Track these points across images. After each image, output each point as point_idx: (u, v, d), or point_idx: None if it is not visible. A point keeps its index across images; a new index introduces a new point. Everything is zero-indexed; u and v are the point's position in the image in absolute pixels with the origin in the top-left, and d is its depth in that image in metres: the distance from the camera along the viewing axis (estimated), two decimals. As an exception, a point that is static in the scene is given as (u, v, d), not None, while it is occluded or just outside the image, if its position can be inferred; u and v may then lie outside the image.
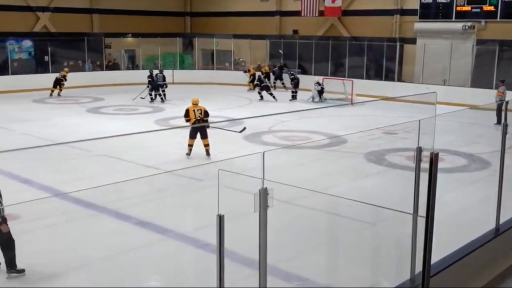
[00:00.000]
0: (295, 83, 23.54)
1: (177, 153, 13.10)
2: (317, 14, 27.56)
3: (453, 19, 23.39)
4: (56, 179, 10.58)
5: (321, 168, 11.90)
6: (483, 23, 23.07)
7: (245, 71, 27.62)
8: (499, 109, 16.56)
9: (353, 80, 22.89)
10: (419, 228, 4.60)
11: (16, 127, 16.40)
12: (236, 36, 30.15)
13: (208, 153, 12.84)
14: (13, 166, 10.82)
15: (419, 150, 4.59)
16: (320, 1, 27.36)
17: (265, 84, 23.37)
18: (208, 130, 12.88)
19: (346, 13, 27.45)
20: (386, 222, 7.65)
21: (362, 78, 25.00)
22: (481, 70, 22.57)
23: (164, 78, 22.78)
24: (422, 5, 24.15)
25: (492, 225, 6.26)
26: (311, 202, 8.83)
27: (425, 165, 4.43)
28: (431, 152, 4.30)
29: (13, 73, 25.87)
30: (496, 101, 17.20)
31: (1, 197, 6.30)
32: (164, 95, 22.47)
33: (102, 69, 28.92)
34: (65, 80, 23.71)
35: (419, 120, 4.75)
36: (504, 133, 6.05)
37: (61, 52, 28.51)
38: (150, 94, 22.07)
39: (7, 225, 6.24)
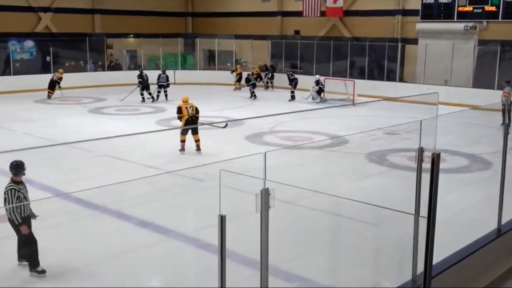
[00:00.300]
0: (295, 84, 23.51)
1: (179, 153, 13.10)
2: (318, 15, 27.56)
3: (455, 20, 23.38)
4: (58, 179, 10.58)
5: (322, 168, 11.89)
6: (484, 24, 23.05)
7: (232, 71, 27.74)
8: (506, 110, 16.55)
9: (355, 80, 22.88)
10: (420, 229, 4.60)
11: (18, 127, 16.41)
12: (237, 37, 30.16)
13: (198, 148, 13.14)
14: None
15: (421, 151, 4.59)
16: (322, 1, 27.36)
17: (252, 82, 24.17)
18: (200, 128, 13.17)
19: (348, 13, 27.44)
20: (387, 222, 7.65)
21: (363, 78, 24.99)
22: (483, 71, 22.55)
23: (167, 78, 22.84)
24: (424, 5, 24.14)
25: (494, 226, 6.25)
26: (312, 202, 8.83)
27: (426, 165, 4.43)
28: (432, 152, 4.29)
29: (15, 74, 25.90)
30: (502, 102, 17.16)
31: (26, 198, 6.29)
32: (166, 95, 22.52)
33: (103, 70, 28.94)
34: (61, 81, 23.54)
35: (421, 121, 4.75)
36: (506, 133, 6.04)
37: (63, 52, 28.53)
38: (142, 94, 22.07)
39: (27, 226, 6.24)
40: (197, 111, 13.47)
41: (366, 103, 21.28)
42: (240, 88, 26.67)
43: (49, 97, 22.79)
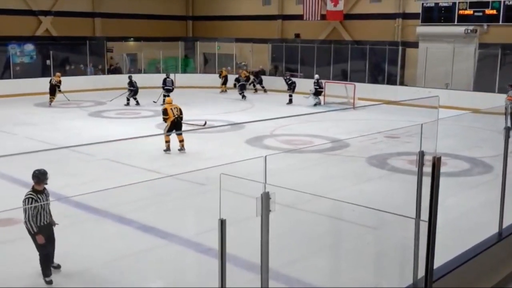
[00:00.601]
0: (293, 88, 23.51)
1: (179, 157, 13.12)
2: (319, 18, 27.60)
3: (455, 23, 23.40)
4: (58, 183, 10.53)
5: (323, 172, 11.89)
6: (485, 27, 23.07)
7: (219, 74, 27.95)
8: (508, 114, 16.53)
9: (355, 84, 22.89)
10: (421, 233, 4.60)
11: (18, 131, 16.43)
12: (238, 40, 30.18)
13: (182, 148, 13.55)
14: (15, 170, 10.82)
15: (422, 154, 4.60)
16: (322, 5, 27.41)
17: (241, 83, 24.91)
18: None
19: (348, 17, 27.48)
20: (388, 226, 7.65)
21: (364, 82, 25.00)
22: (484, 74, 22.56)
23: (173, 82, 22.87)
24: (424, 8, 24.16)
25: (495, 230, 6.25)
26: (313, 206, 8.83)
27: (427, 169, 4.44)
28: (433, 156, 4.30)
29: (15, 77, 25.94)
30: (506, 106, 17.13)
31: (44, 207, 6.28)
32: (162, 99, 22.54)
33: (104, 73, 28.96)
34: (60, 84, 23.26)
35: (422, 124, 4.76)
36: (507, 137, 6.04)
37: (63, 56, 28.56)
38: (128, 99, 22.06)
39: (44, 235, 6.24)
40: (180, 112, 13.97)
41: (366, 107, 21.29)
42: (226, 91, 27.09)
43: (51, 102, 22.14)
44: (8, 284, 6.30)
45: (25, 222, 6.16)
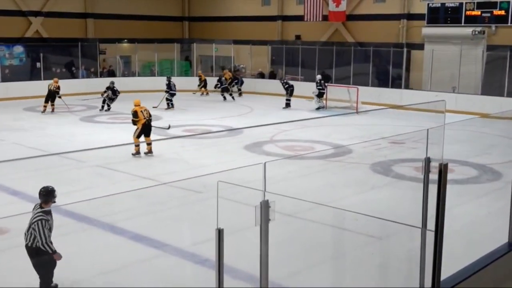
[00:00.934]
0: (290, 91, 23.51)
1: (175, 163, 13.11)
2: (320, 19, 27.67)
3: (462, 24, 23.45)
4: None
5: (325, 179, 11.88)
6: (493, 28, 23.14)
7: (199, 78, 28.10)
8: None
9: (359, 87, 22.92)
10: (428, 243, 4.59)
11: (7, 136, 16.41)
12: (236, 42, 30.25)
13: (150, 151, 13.74)
14: (3, 178, 10.81)
15: (428, 161, 4.59)
16: (324, 5, 27.49)
17: (224, 85, 25.57)
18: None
19: (351, 17, 27.55)
20: (393, 236, 7.64)
21: (367, 85, 25.02)
22: (492, 77, 22.60)
23: (175, 86, 22.84)
24: (430, 9, 24.23)
25: (504, 240, 6.23)
26: (314, 215, 8.82)
27: (434, 176, 4.43)
28: (440, 162, 4.30)
29: (3, 80, 25.91)
30: None
31: (51, 228, 6.06)
32: (171, 104, 22.44)
33: (96, 76, 28.98)
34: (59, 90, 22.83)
35: (428, 129, 4.75)
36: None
37: (54, 58, 28.57)
38: (104, 103, 21.80)
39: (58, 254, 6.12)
40: (149, 114, 14.26)
41: (370, 111, 21.31)
42: (207, 94, 27.35)
43: (45, 109, 21.22)
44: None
45: (41, 244, 5.94)
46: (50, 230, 6.06)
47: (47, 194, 6.18)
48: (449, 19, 23.81)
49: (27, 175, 11.24)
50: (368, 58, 25.99)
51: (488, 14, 22.99)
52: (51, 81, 21.92)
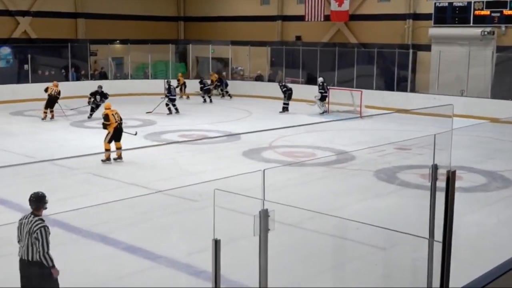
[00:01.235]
0: (288, 95, 23.53)
1: (169, 170, 13.10)
2: (322, 19, 27.72)
3: (471, 24, 23.51)
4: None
5: (326, 187, 11.89)
6: (503, 28, 23.20)
7: (177, 82, 28.07)
8: None
9: (362, 90, 22.94)
10: (435, 254, 4.59)
11: (-7, 142, 16.41)
12: (234, 43, 30.30)
13: (120, 157, 13.79)
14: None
15: (435, 168, 4.60)
16: (326, 4, 27.55)
17: (207, 87, 26.07)
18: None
19: (354, 17, 27.61)
20: (398, 247, 7.63)
21: (371, 88, 25.06)
22: (502, 80, 22.64)
23: (174, 89, 22.82)
24: (437, 9, 24.29)
25: (516, 250, 6.24)
26: (316, 224, 8.82)
27: (441, 184, 4.43)
28: (447, 169, 4.30)
29: (-11, 83, 25.93)
30: None
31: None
32: (176, 108, 22.42)
33: (87, 79, 28.99)
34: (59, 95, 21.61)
35: (435, 135, 4.76)
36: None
37: (43, 60, 28.58)
38: (92, 113, 20.98)
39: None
40: (120, 118, 14.36)
41: (374, 116, 21.33)
42: (188, 97, 27.49)
43: (45, 116, 20.67)
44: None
45: (42, 255, 5.82)
46: None
47: (38, 200, 6.11)
48: (457, 19, 23.86)
49: (14, 183, 11.22)
50: (372, 59, 26.03)
51: (498, 14, 23.05)
52: (49, 85, 21.34)
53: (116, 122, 14.09)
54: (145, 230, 9.03)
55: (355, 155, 14.56)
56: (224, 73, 29.79)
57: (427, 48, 24.98)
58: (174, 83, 24.71)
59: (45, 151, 15.02)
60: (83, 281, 7.10)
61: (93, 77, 29.14)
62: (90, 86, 26.91)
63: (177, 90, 27.02)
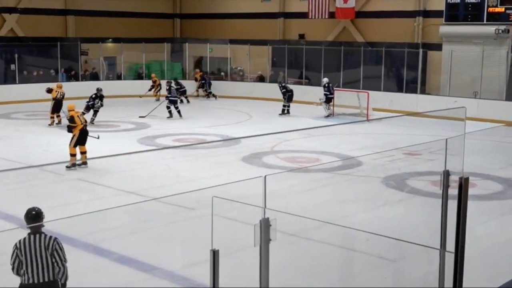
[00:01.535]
0: (288, 96, 23.52)
1: (164, 177, 13.10)
2: (327, 16, 27.74)
3: (484, 22, 23.52)
4: (24, 207, 10.53)
5: (332, 195, 11.88)
6: (519, 27, 23.22)
7: (154, 82, 28.09)
8: None
9: (369, 92, 22.96)
10: (447, 266, 4.59)
11: (-23, 146, 16.41)
12: (233, 41, 30.31)
13: (85, 162, 13.89)
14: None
15: (447, 174, 4.60)
16: (331, 1, 27.58)
17: (183, 89, 26.23)
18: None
19: (361, 14, 27.64)
20: (408, 258, 7.62)
21: (379, 90, 25.06)
22: (518, 81, 22.67)
23: (175, 91, 22.80)
24: (449, 5, 24.31)
25: (532, 262, 6.24)
26: (320, 234, 8.81)
27: (453, 191, 4.44)
28: (460, 176, 4.30)
29: (-26, 84, 25.98)
30: None
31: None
32: (175, 111, 22.29)
33: (77, 80, 29.01)
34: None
35: (446, 139, 4.76)
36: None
37: (31, 59, 28.61)
38: (94, 118, 20.55)
39: None
40: (85, 120, 14.49)
41: (382, 119, 21.33)
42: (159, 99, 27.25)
43: (53, 122, 20.30)
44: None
45: (53, 276, 5.71)
46: None
47: (38, 216, 6.01)
48: (469, 16, 23.87)
49: (1, 190, 11.23)
50: (380, 59, 26.05)
51: (513, 11, 23.06)
52: (52, 86, 20.92)
53: (82, 124, 14.05)
54: (139, 240, 9.03)
55: (362, 160, 14.56)
56: (201, 72, 29.82)
57: (438, 47, 24.99)
58: (167, 83, 24.69)
59: (32, 156, 15.02)
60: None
61: (84, 78, 29.15)
62: (81, 87, 27.04)
63: (152, 91, 27.17)
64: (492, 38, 23.37)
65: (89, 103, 20.44)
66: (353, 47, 27.23)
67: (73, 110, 14.42)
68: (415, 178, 13.17)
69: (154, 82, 27.60)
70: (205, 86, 28.78)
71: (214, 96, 28.43)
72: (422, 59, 25.04)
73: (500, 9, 23.31)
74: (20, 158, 14.75)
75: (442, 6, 24.53)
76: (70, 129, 14.10)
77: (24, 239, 5.75)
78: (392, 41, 25.98)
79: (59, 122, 20.26)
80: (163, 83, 25.03)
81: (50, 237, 5.80)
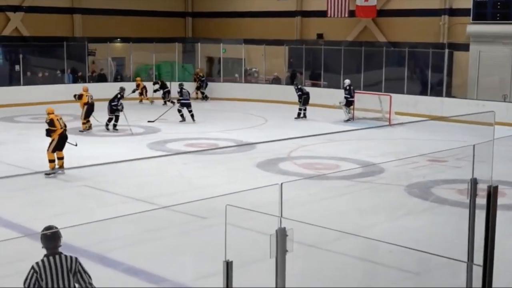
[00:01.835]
0: (304, 99, 23.48)
1: (175, 183, 13.13)
2: (346, 15, 27.72)
3: (515, 21, 23.42)
4: (28, 215, 10.61)
5: (352, 203, 11.85)
6: (551, 26, 23.07)
7: (137, 85, 27.97)
8: None
9: (392, 95, 22.89)
10: (474, 279, 4.56)
11: (-20, 151, 16.55)
12: (247, 41, 30.36)
13: (62, 167, 13.79)
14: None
15: (474, 182, 4.58)
16: (351, -2, 27.59)
17: (167, 89, 26.60)
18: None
19: (383, 13, 27.59)
20: (433, 271, 7.58)
21: (402, 92, 24.99)
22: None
23: (189, 93, 22.89)
24: (476, 3, 24.18)
25: None
26: (340, 246, 8.78)
27: (481, 200, 4.41)
28: (488, 184, 4.28)
29: (-24, 86, 26.18)
30: None
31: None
32: (191, 115, 22.38)
33: (84, 81, 29.15)
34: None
35: (474, 145, 4.74)
36: None
37: (36, 60, 28.80)
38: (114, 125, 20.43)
39: None
40: (65, 124, 14.46)
41: (405, 123, 21.26)
42: (152, 102, 27.57)
43: (86, 128, 20.10)
44: None
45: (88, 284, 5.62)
46: None
47: (57, 236, 5.74)
48: (498, 14, 23.75)
49: (3, 196, 11.31)
50: (403, 60, 25.96)
51: (545, 9, 22.93)
52: (81, 92, 20.70)
53: (61, 128, 14.05)
54: (148, 250, 9.05)
55: (384, 167, 14.51)
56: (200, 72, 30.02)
57: (465, 47, 24.87)
58: (179, 86, 24.78)
59: (37, 161, 15.10)
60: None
61: (91, 79, 29.26)
62: (89, 88, 27.16)
63: (137, 94, 27.07)
64: (522, 38, 23.24)
65: (114, 105, 20.06)
66: (375, 47, 27.17)
67: (53, 113, 14.34)
68: (440, 186, 13.10)
69: (137, 86, 27.33)
70: (202, 88, 28.73)
71: (205, 97, 28.57)
72: (447, 60, 24.94)
73: (532, 7, 23.19)
74: (24, 163, 14.85)
75: (469, 4, 24.41)
76: (48, 133, 14.06)
77: (43, 261, 5.50)
78: (416, 41, 25.90)
79: (90, 127, 20.19)
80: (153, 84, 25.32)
81: (71, 257, 5.60)
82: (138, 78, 28.16)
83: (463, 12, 24.93)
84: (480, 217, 4.40)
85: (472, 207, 4.61)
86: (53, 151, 13.93)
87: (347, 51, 27.61)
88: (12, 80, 27.45)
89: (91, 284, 5.61)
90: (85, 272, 5.61)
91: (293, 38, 30.47)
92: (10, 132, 19.93)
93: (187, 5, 34.66)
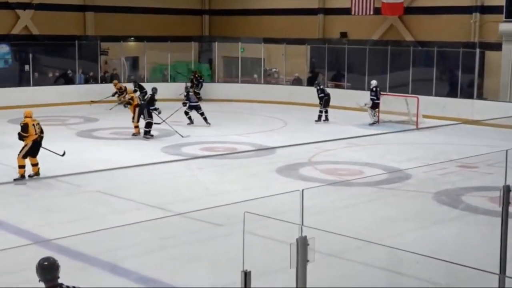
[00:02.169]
0: (325, 101, 23.38)
1: (190, 189, 13.16)
2: (372, 13, 27.65)
3: (550, 19, 23.25)
4: (37, 221, 10.69)
5: (377, 211, 11.81)
6: None
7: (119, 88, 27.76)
8: None
9: (419, 97, 22.80)
10: (507, 293, 4.52)
11: (-12, 154, 16.68)
12: (267, 40, 30.37)
13: (37, 173, 13.77)
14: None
15: (507, 190, 4.55)
16: (376, -5, 27.52)
17: (144, 91, 25.23)
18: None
19: (410, 10, 27.48)
20: (463, 283, 7.53)
21: (430, 94, 24.87)
22: None
23: (194, 95, 22.88)
24: (509, 0, 24.01)
25: None
26: (364, 256, 8.75)
27: (514, 209, 4.38)
28: (522, 192, 4.25)
29: (-15, 86, 26.38)
30: None
31: None
32: (203, 118, 22.22)
33: (96, 82, 29.31)
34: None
35: (506, 150, 4.72)
36: None
37: (46, 60, 28.98)
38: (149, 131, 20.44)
39: None
40: (41, 130, 14.20)
41: (433, 127, 21.15)
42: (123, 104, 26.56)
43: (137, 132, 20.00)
44: None
45: None
46: None
47: (55, 268, 5.65)
48: (533, 12, 23.59)
49: (11, 202, 11.41)
50: (432, 60, 25.82)
51: None
52: (132, 95, 21.00)
53: (36, 134, 13.91)
54: (161, 259, 9.07)
55: (411, 173, 14.45)
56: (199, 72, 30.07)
57: (497, 47, 24.71)
58: (185, 89, 24.85)
59: (47, 165, 15.21)
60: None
61: (104, 80, 29.38)
62: (100, 90, 27.34)
63: (116, 96, 26.44)
64: (559, 37, 23.07)
65: (152, 109, 19.74)
66: (401, 46, 27.08)
67: (30, 117, 14.14)
68: (470, 194, 13.02)
69: (119, 89, 26.96)
70: (197, 87, 28.56)
71: (199, 99, 28.34)
72: (479, 60, 24.76)
73: None
74: (31, 167, 14.95)
75: (501, 1, 24.27)
76: (21, 137, 13.95)
77: None
78: (445, 40, 25.76)
79: (138, 132, 19.96)
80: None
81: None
82: (115, 81, 27.41)
83: (495, 10, 24.77)
84: (513, 226, 4.37)
85: (505, 216, 4.59)
86: (25, 156, 13.83)
87: (372, 50, 27.53)
88: (22, 80, 27.62)
89: None
90: None
91: (315, 37, 30.43)
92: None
93: (204, 3, 34.69)
